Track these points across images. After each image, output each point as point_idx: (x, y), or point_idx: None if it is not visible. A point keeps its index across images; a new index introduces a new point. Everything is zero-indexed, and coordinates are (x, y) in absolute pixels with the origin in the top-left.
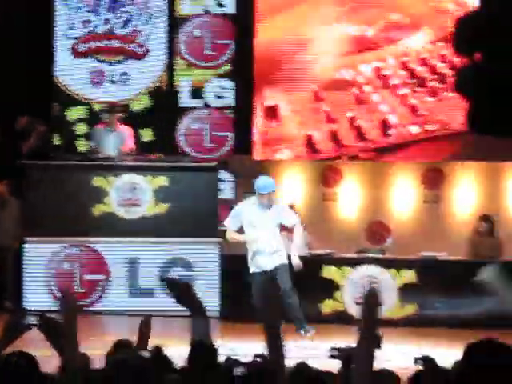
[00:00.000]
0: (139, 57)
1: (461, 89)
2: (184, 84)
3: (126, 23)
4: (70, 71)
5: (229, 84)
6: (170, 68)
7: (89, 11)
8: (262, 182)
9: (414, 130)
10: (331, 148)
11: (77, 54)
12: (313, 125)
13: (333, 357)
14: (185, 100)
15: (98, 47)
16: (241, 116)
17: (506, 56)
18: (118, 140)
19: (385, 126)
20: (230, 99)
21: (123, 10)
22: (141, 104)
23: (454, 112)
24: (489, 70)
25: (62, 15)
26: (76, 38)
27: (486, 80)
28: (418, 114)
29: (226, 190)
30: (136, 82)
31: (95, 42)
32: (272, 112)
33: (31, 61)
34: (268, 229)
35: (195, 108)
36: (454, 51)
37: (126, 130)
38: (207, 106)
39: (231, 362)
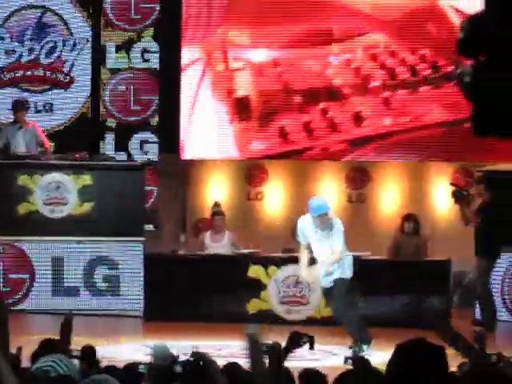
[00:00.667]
0: (64, 86)
1: (465, 90)
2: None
3: (50, 52)
4: None
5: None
6: (93, 102)
7: (13, 41)
8: (314, 203)
9: (387, 122)
10: (303, 139)
11: (1, 83)
12: (286, 116)
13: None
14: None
15: (22, 76)
16: (168, 117)
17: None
18: (28, 136)
19: (357, 118)
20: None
21: (48, 39)
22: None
23: (427, 105)
24: (493, 72)
25: None
26: (0, 68)
27: (490, 82)
28: (390, 106)
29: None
30: (61, 111)
31: (20, 71)
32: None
33: None
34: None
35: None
36: (458, 53)
37: (36, 126)
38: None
39: (171, 360)
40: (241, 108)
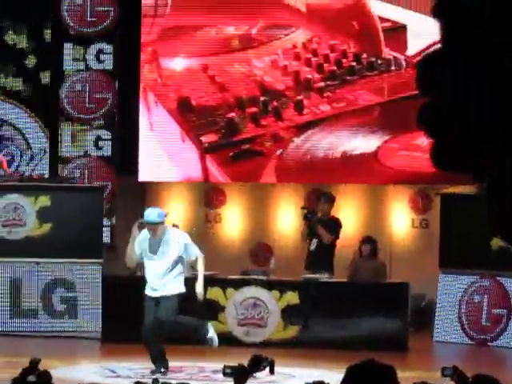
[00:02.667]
0: None
1: (422, 126)
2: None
3: (8, 164)
4: None
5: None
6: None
7: None
8: (146, 212)
9: (325, 108)
10: (251, 129)
11: None
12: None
13: (226, 375)
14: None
15: None
16: (126, 137)
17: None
18: None
19: (298, 106)
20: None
21: (5, 150)
22: None
23: (358, 91)
24: (448, 106)
25: None
26: None
27: (447, 117)
28: (324, 95)
29: None
30: None
31: None
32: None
33: None
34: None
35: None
36: (416, 89)
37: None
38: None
39: None
40: (184, 110)
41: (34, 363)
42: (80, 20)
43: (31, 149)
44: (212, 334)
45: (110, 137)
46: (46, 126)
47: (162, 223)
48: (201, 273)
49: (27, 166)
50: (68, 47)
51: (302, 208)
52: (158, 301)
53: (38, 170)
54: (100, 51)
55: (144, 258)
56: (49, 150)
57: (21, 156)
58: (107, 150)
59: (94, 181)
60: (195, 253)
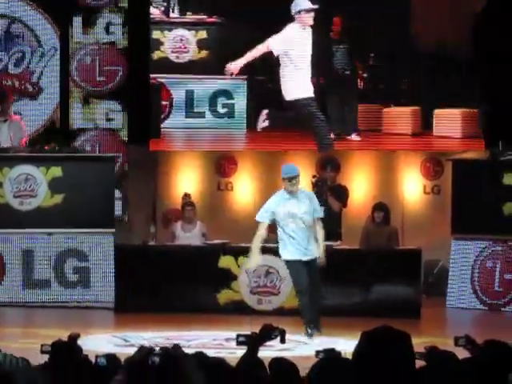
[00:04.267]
0: (32, 96)
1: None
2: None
3: (18, 62)
4: None
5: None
6: (63, 105)
7: None
8: (284, 168)
9: None
10: None
11: None
12: None
13: (240, 343)
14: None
15: None
16: (137, 107)
17: None
18: (13, 130)
19: None
20: (119, 121)
21: (16, 49)
22: None
23: None
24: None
25: None
26: None
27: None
28: None
29: None
30: (30, 121)
31: None
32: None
33: None
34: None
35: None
36: None
37: (20, 120)
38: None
39: (146, 351)
40: None
41: (72, 338)
42: None
43: (42, 47)
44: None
45: (120, 108)
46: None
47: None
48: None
49: (38, 63)
50: None
51: (313, 176)
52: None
53: (48, 69)
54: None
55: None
56: (59, 47)
57: (31, 54)
58: (118, 122)
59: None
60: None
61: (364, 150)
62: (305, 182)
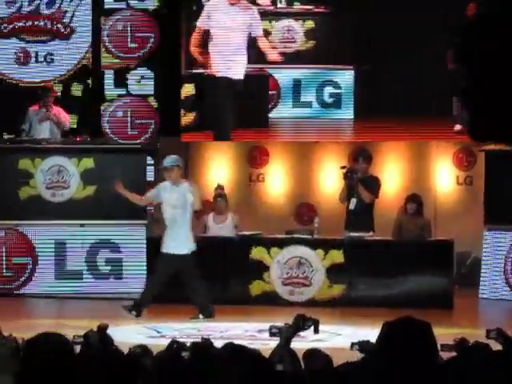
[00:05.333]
0: (64, 37)
1: (458, 97)
2: (108, 73)
3: (50, 3)
4: None
5: (150, 73)
6: (95, 48)
7: None
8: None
9: None
10: None
11: (1, 34)
12: None
13: (273, 334)
14: (109, 88)
15: (22, 27)
16: (167, 100)
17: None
18: (52, 123)
19: None
20: (151, 87)
21: None
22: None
23: None
24: (486, 78)
25: None
26: (1, 18)
27: (484, 88)
28: None
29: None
30: (61, 62)
31: (20, 22)
32: None
33: None
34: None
35: (119, 96)
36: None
37: (61, 112)
38: (130, 94)
39: (178, 346)
40: None
41: (102, 329)
42: None
43: None
44: None
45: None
46: None
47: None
48: None
49: (70, 4)
50: None
51: (342, 167)
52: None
53: (80, 10)
54: None
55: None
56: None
57: None
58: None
59: (137, 119)
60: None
61: (396, 141)
62: (338, 172)
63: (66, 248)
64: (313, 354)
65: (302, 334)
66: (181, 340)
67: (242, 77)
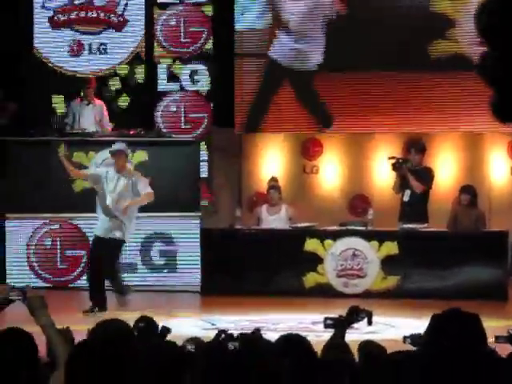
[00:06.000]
0: (117, 27)
1: (484, 76)
2: (161, 68)
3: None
4: (49, 42)
5: (204, 68)
6: (147, 40)
7: None
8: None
9: None
10: None
11: (55, 24)
12: None
13: (327, 326)
14: (162, 83)
15: (76, 18)
16: (221, 91)
17: None
18: (95, 113)
19: None
20: (204, 82)
21: None
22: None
23: None
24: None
25: None
26: (54, 10)
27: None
28: None
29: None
30: (114, 52)
31: (73, 12)
32: None
33: (8, 33)
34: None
35: (172, 92)
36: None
37: (102, 104)
38: (183, 89)
39: (224, 337)
40: None
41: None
42: None
43: None
44: None
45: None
46: None
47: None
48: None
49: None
50: None
51: (390, 158)
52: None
53: (132, 2)
54: None
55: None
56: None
57: None
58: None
59: (190, 113)
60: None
61: (450, 132)
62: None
63: None
64: (367, 346)
65: (355, 325)
66: (229, 331)
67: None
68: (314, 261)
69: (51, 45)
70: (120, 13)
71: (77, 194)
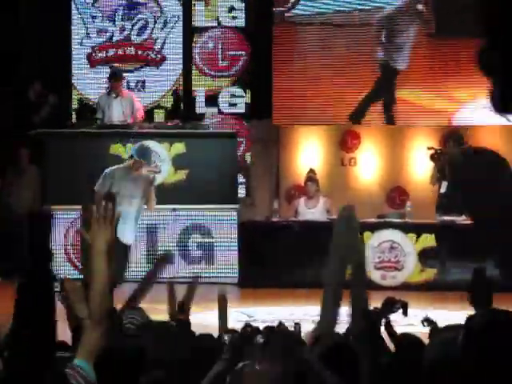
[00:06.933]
0: (156, 64)
1: (483, 68)
2: (199, 92)
3: (141, 30)
4: (87, 80)
5: (241, 91)
6: (186, 74)
7: (104, 20)
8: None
9: None
10: None
11: (93, 62)
12: None
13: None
14: (200, 106)
15: (114, 55)
16: (260, 85)
17: None
18: (124, 105)
19: None
20: (242, 105)
21: (139, 17)
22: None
23: None
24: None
25: (79, 24)
26: (92, 47)
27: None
28: None
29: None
30: (153, 88)
31: (111, 50)
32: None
33: (48, 68)
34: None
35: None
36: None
37: (132, 95)
38: (221, 112)
39: (250, 330)
40: None
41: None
42: None
43: (165, 14)
44: None
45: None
46: None
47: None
48: None
49: (160, 31)
50: None
51: (429, 148)
52: None
53: (171, 37)
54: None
55: None
56: (182, 17)
57: (154, 22)
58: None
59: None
60: None
61: (489, 125)
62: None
63: (157, 232)
64: (405, 339)
65: (392, 318)
66: (256, 324)
67: None
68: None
69: (89, 82)
70: (158, 49)
71: None
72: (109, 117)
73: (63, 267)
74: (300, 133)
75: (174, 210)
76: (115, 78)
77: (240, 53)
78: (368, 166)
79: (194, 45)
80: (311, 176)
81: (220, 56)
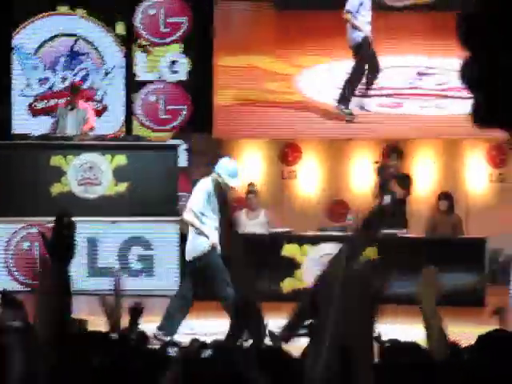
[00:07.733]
0: (97, 113)
1: (465, 81)
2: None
3: (83, 80)
4: (28, 129)
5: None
6: (127, 125)
7: (46, 70)
8: (233, 170)
9: None
10: None
11: (34, 111)
12: None
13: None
14: None
15: (55, 105)
16: (200, 95)
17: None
18: (79, 118)
19: None
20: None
21: (80, 66)
22: None
23: None
24: (491, 62)
25: (20, 74)
26: (33, 96)
27: (489, 73)
28: None
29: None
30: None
31: (53, 100)
32: None
33: None
34: None
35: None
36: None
37: (88, 107)
38: None
39: (197, 345)
40: None
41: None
42: None
43: (106, 65)
44: None
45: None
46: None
47: None
48: None
49: (102, 81)
50: None
51: (375, 162)
52: None
53: (113, 87)
54: None
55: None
56: (125, 66)
57: (96, 72)
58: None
59: (170, 105)
60: None
61: (428, 138)
62: (370, 169)
63: (97, 245)
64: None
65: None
66: (203, 338)
67: None
68: (292, 266)
69: (30, 132)
70: (99, 99)
71: (55, 198)
72: (62, 128)
73: (2, 280)
74: (240, 145)
75: (114, 222)
76: (72, 90)
77: (180, 107)
78: (308, 179)
79: (135, 96)
80: (251, 188)
81: (162, 108)
